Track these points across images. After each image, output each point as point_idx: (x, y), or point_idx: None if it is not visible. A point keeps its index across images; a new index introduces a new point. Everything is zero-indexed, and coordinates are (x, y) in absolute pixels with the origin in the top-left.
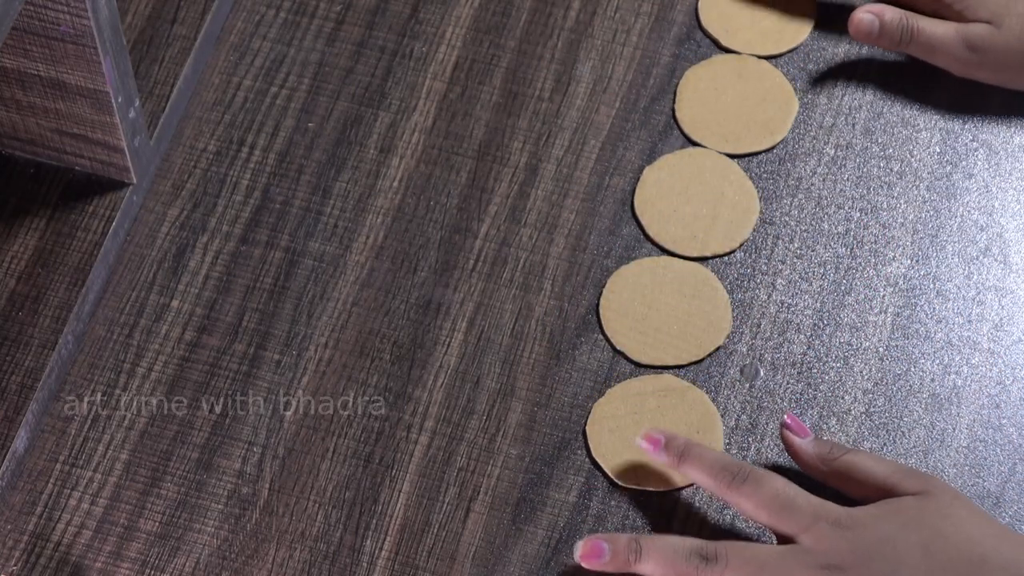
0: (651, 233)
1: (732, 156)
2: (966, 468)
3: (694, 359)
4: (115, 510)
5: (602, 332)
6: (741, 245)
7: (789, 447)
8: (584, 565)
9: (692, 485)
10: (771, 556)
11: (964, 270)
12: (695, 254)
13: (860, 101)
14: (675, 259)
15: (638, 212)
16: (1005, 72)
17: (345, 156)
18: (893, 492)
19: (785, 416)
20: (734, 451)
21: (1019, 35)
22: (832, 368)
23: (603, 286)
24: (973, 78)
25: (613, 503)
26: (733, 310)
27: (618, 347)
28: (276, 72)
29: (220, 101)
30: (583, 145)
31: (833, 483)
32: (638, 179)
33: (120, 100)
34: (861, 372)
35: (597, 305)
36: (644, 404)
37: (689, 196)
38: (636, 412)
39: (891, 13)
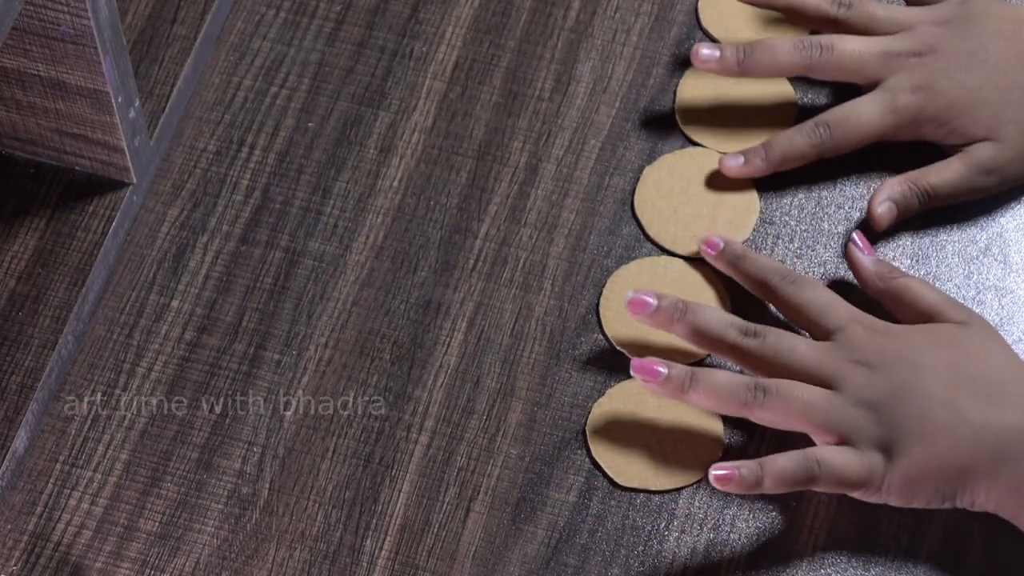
0: (651, 233)
1: None
2: None
3: (693, 360)
4: (115, 510)
5: (602, 332)
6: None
7: (852, 262)
8: (629, 312)
9: (692, 484)
10: (804, 343)
11: (964, 270)
12: (695, 254)
13: None
14: (675, 259)
15: (638, 212)
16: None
17: (345, 156)
18: (938, 319)
19: (854, 233)
20: (734, 452)
21: (1022, 143)
22: None
23: (603, 286)
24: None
25: (613, 503)
26: (733, 310)
27: (618, 347)
28: (276, 72)
29: (220, 101)
30: (583, 145)
31: (886, 302)
32: (638, 179)
33: (120, 100)
34: None
35: (597, 305)
36: (644, 404)
37: (689, 196)
38: (636, 412)
39: (899, 189)
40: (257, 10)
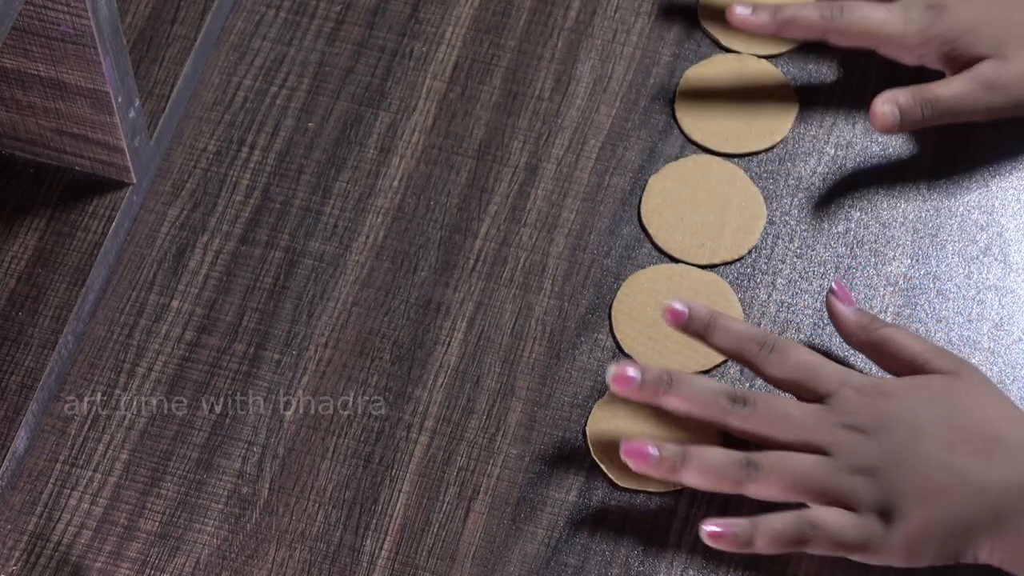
0: (659, 242)
1: (732, 156)
2: None
3: (700, 368)
4: (115, 510)
5: (612, 335)
6: (749, 252)
7: (832, 313)
8: (613, 389)
9: (687, 490)
10: (797, 409)
11: (964, 269)
12: (704, 262)
13: (860, 100)
14: (693, 268)
15: (645, 222)
16: None
17: (345, 156)
18: (924, 370)
19: (833, 283)
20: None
21: None
22: None
23: (603, 285)
24: (1001, 118)
25: (613, 502)
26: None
27: (626, 350)
28: (276, 72)
29: (220, 101)
30: (583, 145)
31: (868, 353)
32: (638, 179)
33: (120, 100)
34: (861, 372)
35: (609, 308)
36: (644, 404)
37: (696, 204)
38: (636, 412)
39: (904, 96)
40: (257, 10)
